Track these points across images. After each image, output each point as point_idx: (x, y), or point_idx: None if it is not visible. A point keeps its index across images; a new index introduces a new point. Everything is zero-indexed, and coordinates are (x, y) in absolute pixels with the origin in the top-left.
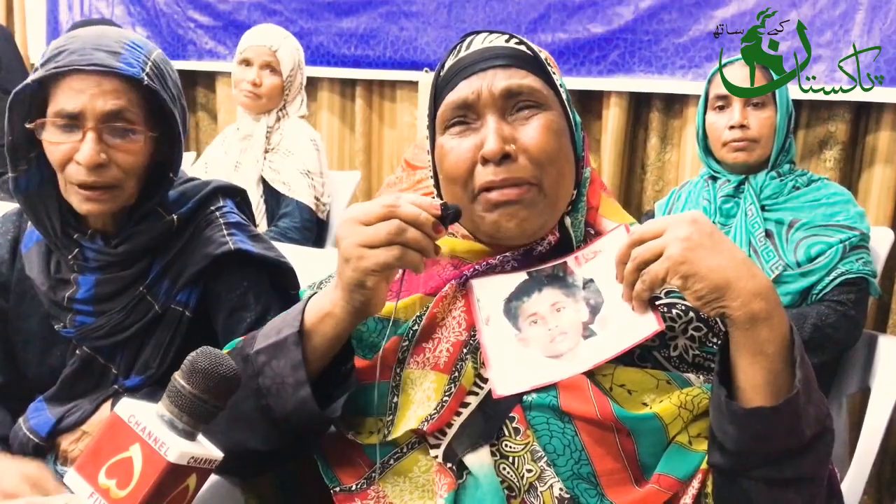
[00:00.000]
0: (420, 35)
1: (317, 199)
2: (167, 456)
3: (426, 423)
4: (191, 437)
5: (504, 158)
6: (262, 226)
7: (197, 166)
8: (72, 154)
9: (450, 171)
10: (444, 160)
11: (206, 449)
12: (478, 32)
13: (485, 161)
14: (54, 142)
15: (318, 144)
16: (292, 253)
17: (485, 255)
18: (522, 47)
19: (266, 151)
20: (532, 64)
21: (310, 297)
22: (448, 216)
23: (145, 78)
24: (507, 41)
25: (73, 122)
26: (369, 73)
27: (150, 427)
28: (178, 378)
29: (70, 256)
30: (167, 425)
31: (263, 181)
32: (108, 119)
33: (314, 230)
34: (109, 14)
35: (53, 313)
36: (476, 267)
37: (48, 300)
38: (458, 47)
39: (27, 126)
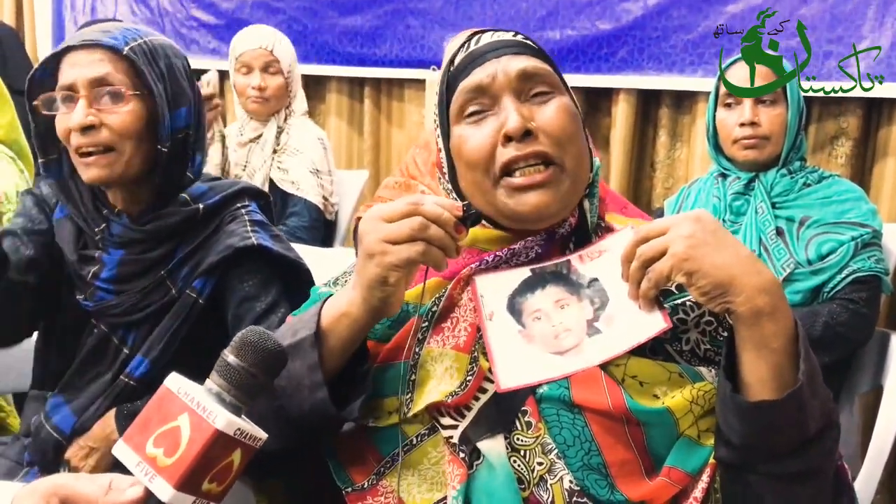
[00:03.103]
0: (427, 33)
1: (325, 198)
2: (215, 423)
3: (451, 398)
4: (237, 411)
5: (526, 135)
6: None
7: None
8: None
9: (470, 156)
10: (462, 148)
11: (252, 426)
12: (483, 31)
13: (507, 140)
14: (59, 116)
15: (324, 143)
16: (300, 252)
17: (506, 243)
18: (529, 41)
19: (274, 151)
20: (540, 54)
21: (325, 300)
22: (469, 217)
23: (125, 48)
24: (514, 35)
25: (70, 93)
26: (376, 71)
27: (198, 398)
28: (227, 353)
29: (98, 230)
30: (215, 398)
31: (271, 181)
32: (95, 85)
33: (322, 229)
34: (113, 14)
35: (77, 284)
36: (498, 254)
37: (73, 271)
38: (466, 43)
39: (34, 104)
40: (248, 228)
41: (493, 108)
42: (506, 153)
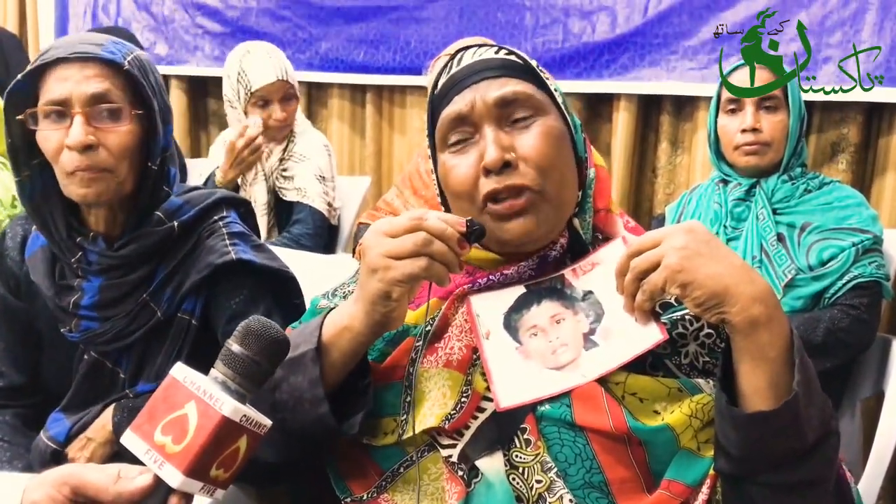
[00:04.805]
0: (430, 40)
1: (329, 204)
2: (222, 410)
3: (447, 422)
4: (242, 399)
5: (505, 167)
6: (271, 232)
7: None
8: (63, 141)
9: (455, 187)
10: (447, 178)
11: (257, 413)
12: (468, 47)
13: (487, 172)
14: (46, 132)
15: (329, 150)
16: (303, 260)
17: (499, 265)
18: (512, 57)
19: (280, 160)
20: (523, 71)
21: (327, 314)
22: (473, 233)
23: (126, 63)
24: (497, 52)
25: (61, 109)
26: (379, 78)
27: (204, 386)
28: (231, 342)
29: (73, 260)
30: (221, 386)
31: (275, 188)
32: (93, 102)
33: (325, 236)
34: (119, 21)
35: (59, 317)
36: (491, 277)
37: (53, 305)
38: (449, 64)
39: (19, 118)
40: (227, 242)
41: (474, 135)
42: (487, 184)
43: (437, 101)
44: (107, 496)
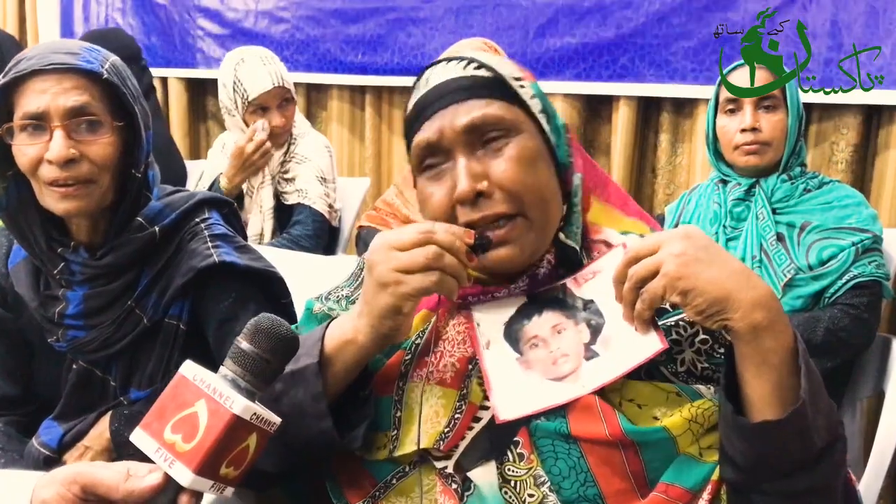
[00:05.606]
0: (428, 41)
1: (330, 206)
2: (232, 408)
3: (441, 442)
4: (252, 396)
5: (478, 196)
6: (268, 233)
7: (203, 175)
8: (41, 155)
9: (432, 215)
10: (425, 205)
11: (267, 410)
12: (436, 63)
13: (461, 202)
14: (23, 146)
15: (330, 151)
16: (303, 261)
17: (489, 286)
18: (481, 71)
19: (282, 163)
20: (493, 87)
21: (327, 325)
22: (481, 244)
23: (105, 73)
24: (465, 68)
25: (39, 122)
26: (378, 79)
27: (214, 384)
28: (240, 340)
29: (56, 271)
30: (230, 384)
31: (277, 192)
32: (73, 115)
33: (326, 237)
34: (122, 24)
35: (46, 327)
36: (480, 297)
37: (39, 315)
38: (418, 83)
39: None
40: (209, 245)
41: (448, 160)
42: (464, 215)
43: (410, 123)
44: (117, 494)
